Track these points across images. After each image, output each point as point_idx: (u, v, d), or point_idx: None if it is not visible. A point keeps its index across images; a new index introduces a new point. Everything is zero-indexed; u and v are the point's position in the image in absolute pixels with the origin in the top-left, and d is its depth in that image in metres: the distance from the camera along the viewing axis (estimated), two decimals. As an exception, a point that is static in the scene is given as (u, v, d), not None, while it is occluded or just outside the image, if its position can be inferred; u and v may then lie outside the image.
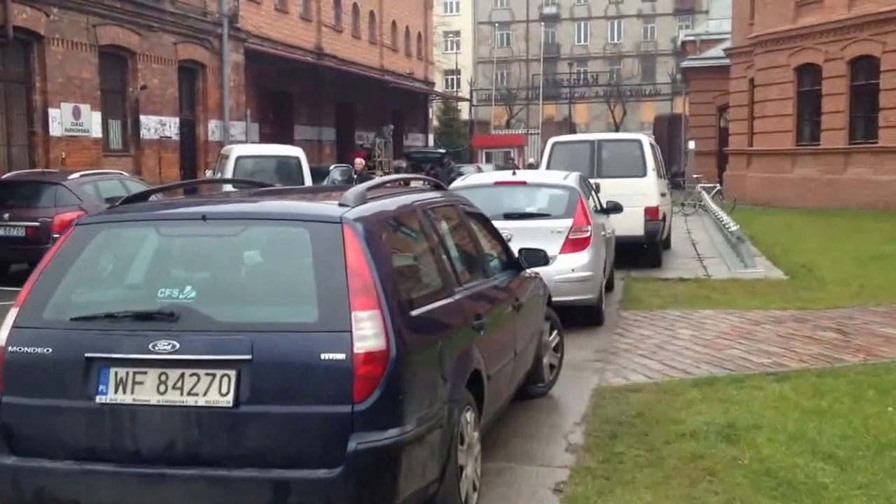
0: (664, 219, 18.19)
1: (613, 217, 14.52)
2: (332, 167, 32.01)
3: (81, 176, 17.60)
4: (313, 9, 42.85)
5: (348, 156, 44.47)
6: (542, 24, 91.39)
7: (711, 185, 37.09)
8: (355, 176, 25.51)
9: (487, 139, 73.64)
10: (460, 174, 26.58)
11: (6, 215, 16.52)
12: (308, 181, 21.77)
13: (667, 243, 19.79)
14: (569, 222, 11.78)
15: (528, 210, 12.37)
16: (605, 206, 14.14)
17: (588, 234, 11.77)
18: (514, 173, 13.26)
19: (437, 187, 7.43)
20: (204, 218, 5.23)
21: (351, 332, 4.65)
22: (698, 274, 16.89)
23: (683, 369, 9.56)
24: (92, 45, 24.98)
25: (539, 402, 8.43)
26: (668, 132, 54.87)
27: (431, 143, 62.65)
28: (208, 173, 27.81)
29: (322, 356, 4.63)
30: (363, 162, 27.04)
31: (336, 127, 46.12)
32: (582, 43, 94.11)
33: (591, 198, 13.32)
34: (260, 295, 5.05)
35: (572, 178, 12.77)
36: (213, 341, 4.76)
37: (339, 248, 4.85)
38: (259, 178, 21.28)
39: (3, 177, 19.15)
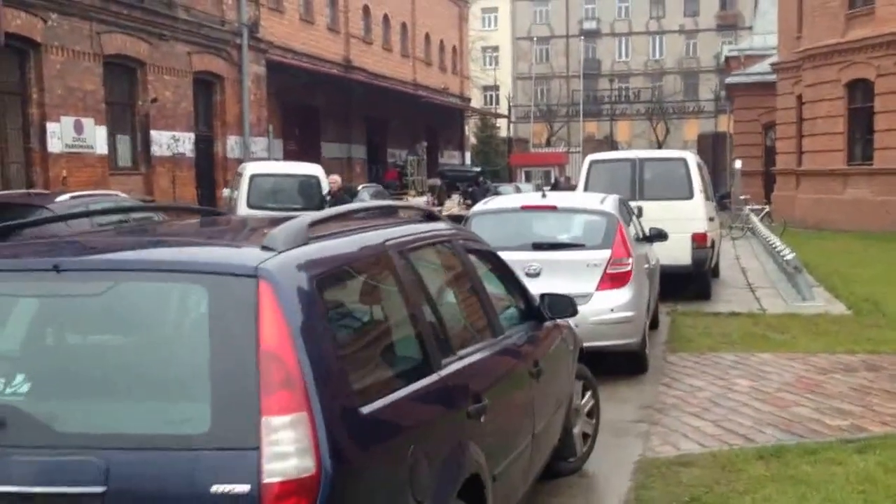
0: (713, 245, 16.67)
1: (657, 244, 13.14)
2: (360, 187, 30.34)
3: (71, 198, 16.09)
4: (341, 20, 41.40)
5: (381, 175, 43.26)
6: (582, 39, 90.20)
7: (760, 206, 35.42)
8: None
9: (526, 157, 72.56)
10: (498, 193, 25.01)
11: None
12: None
13: (715, 271, 18.28)
14: (606, 254, 10.25)
15: (560, 239, 10.88)
16: (647, 233, 12.77)
17: (629, 267, 10.23)
18: (543, 195, 11.69)
19: (428, 217, 5.63)
20: (56, 269, 3.55)
21: (260, 448, 3.08)
22: (752, 308, 15.33)
23: (744, 434, 8.02)
24: (96, 55, 23.42)
25: (570, 480, 6.93)
26: (712, 151, 53.10)
27: (468, 160, 61.28)
28: (226, 192, 26.39)
29: (214, 489, 3.04)
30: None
31: (367, 144, 44.61)
32: (623, 59, 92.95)
33: (631, 224, 11.90)
34: (125, 390, 3.41)
35: (610, 203, 11.20)
36: (49, 465, 3.17)
37: (251, 316, 3.25)
38: (276, 199, 20.23)
39: None
